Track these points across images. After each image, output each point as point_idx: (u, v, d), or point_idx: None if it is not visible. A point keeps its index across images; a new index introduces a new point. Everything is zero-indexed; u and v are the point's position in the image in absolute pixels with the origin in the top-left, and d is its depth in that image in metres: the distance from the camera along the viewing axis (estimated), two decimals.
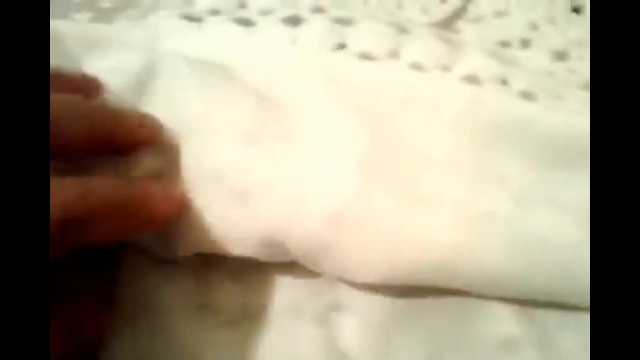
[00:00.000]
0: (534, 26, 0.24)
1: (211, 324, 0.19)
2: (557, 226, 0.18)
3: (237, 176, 0.18)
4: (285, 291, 0.19)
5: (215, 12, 0.21)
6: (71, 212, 0.15)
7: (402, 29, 0.20)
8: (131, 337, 0.18)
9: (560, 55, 0.23)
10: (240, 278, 0.19)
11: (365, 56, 0.20)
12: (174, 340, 0.18)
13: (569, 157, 0.19)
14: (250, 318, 0.19)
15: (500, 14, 0.24)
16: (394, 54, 0.20)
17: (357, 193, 0.18)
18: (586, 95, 0.21)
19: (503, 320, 0.18)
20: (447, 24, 0.23)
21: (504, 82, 0.20)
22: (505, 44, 0.23)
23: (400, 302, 0.19)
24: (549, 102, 0.21)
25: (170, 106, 0.19)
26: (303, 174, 0.18)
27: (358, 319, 0.19)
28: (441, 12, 0.23)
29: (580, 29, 0.24)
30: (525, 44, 0.24)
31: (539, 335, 0.18)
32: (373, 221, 0.18)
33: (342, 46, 0.20)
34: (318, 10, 0.20)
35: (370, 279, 0.18)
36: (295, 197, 0.18)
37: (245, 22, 0.21)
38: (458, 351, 0.18)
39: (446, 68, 0.20)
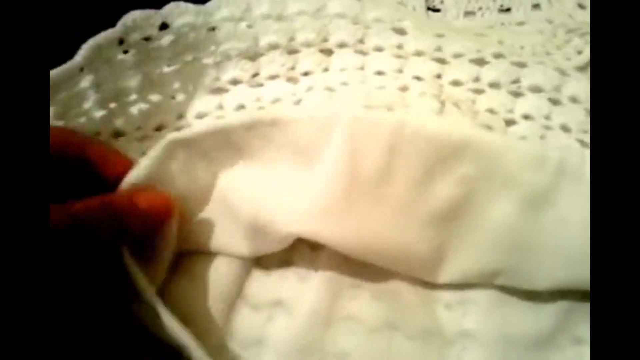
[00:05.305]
0: None
1: None
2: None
3: None
4: None
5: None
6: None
7: (563, 72, 0.28)
8: None
9: None
10: None
11: (535, 90, 0.28)
12: None
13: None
14: None
15: None
16: (557, 89, 0.28)
17: None
18: None
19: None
20: (584, 69, 0.31)
21: None
22: None
23: None
24: None
25: None
26: None
27: None
28: (579, 60, 0.31)
29: None
30: None
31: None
32: None
33: (516, 81, 0.28)
34: (499, 55, 0.29)
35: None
36: None
37: (441, 61, 0.30)
38: None
39: None
